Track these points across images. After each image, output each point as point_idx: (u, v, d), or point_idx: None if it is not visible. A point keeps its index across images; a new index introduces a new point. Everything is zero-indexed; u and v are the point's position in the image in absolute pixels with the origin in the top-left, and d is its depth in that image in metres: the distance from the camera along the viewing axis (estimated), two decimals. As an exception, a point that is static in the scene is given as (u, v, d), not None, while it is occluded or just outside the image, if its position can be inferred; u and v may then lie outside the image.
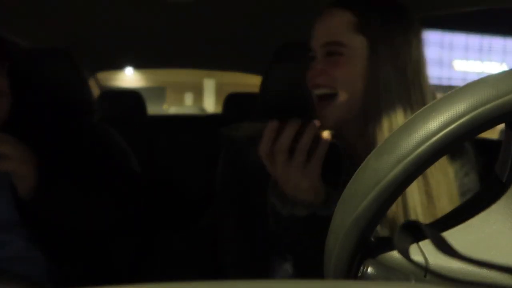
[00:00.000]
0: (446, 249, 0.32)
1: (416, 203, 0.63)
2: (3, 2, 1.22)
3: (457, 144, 0.29)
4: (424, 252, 0.32)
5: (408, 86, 0.66)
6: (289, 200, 0.61)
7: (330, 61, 0.68)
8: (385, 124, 0.65)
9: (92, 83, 2.46)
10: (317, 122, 0.57)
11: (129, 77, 14.51)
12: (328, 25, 0.69)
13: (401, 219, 0.63)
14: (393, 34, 0.66)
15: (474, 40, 16.17)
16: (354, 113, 0.68)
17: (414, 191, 0.63)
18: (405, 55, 0.66)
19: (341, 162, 0.72)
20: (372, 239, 0.35)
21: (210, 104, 15.04)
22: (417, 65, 0.67)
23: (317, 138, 0.56)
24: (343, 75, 0.67)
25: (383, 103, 0.65)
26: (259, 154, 0.57)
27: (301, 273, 0.73)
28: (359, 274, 0.33)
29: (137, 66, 3.60)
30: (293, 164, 0.56)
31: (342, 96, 0.67)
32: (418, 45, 0.67)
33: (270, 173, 0.60)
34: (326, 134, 0.57)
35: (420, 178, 0.64)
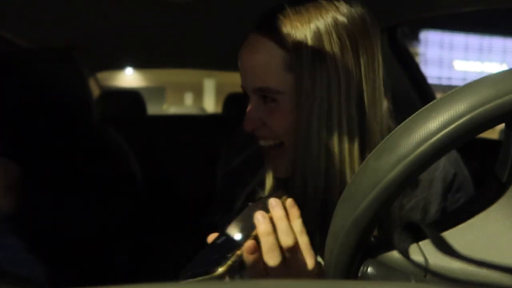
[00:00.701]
0: (446, 249, 0.32)
1: None
2: (3, 2, 1.22)
3: (457, 144, 0.29)
4: (424, 252, 0.32)
5: (350, 115, 0.56)
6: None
7: (268, 110, 0.59)
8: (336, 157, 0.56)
9: (92, 83, 2.46)
10: (276, 202, 0.48)
11: (129, 77, 14.51)
12: (256, 65, 0.57)
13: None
14: (324, 66, 0.54)
15: (474, 40, 16.18)
16: (301, 165, 0.58)
17: None
18: (346, 88, 0.55)
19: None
20: (372, 239, 0.35)
21: (210, 104, 15.04)
22: (370, 93, 0.57)
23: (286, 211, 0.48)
24: (282, 127, 0.58)
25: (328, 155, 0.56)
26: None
27: None
28: (359, 274, 0.33)
29: (137, 66, 3.60)
30: (290, 262, 0.47)
31: (288, 143, 0.59)
32: (365, 67, 0.56)
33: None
34: (290, 202, 0.49)
35: None
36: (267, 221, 0.46)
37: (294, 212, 0.48)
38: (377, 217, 0.31)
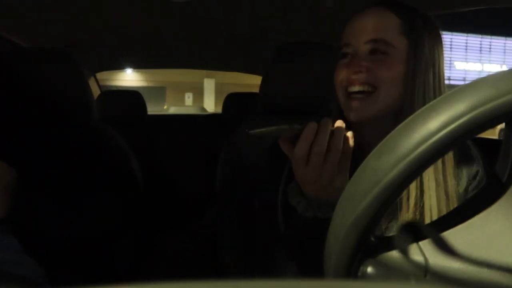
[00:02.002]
0: (446, 249, 0.32)
1: (432, 204, 0.64)
2: (3, 2, 1.22)
3: (457, 144, 0.29)
4: (424, 252, 0.32)
5: (440, 91, 0.69)
6: (314, 202, 0.60)
7: (374, 60, 0.69)
8: None
9: (92, 83, 2.46)
10: (341, 122, 0.58)
11: (129, 77, 14.51)
12: (375, 23, 0.69)
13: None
14: (432, 41, 0.69)
15: (474, 40, 16.18)
16: (387, 113, 0.69)
17: (431, 192, 0.64)
18: (439, 62, 0.69)
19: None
20: (372, 239, 0.35)
21: (210, 104, 15.04)
22: (442, 71, 0.71)
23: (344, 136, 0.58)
24: (387, 75, 0.68)
25: (417, 106, 0.65)
26: (293, 157, 0.57)
27: (307, 273, 0.72)
28: (359, 274, 0.33)
29: (137, 66, 3.60)
30: (327, 164, 0.56)
31: (382, 95, 0.68)
32: (440, 54, 0.71)
33: (297, 176, 0.60)
34: (338, 123, 0.58)
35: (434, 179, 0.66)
36: (329, 125, 0.56)
37: (338, 131, 0.57)
38: (377, 217, 0.31)
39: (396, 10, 0.70)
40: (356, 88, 0.70)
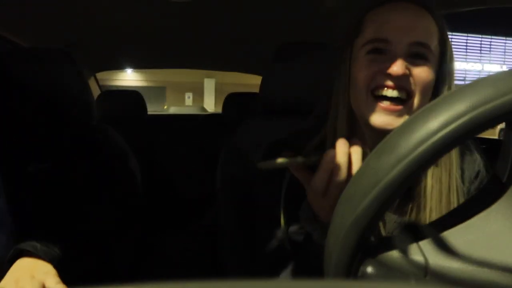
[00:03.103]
0: (446, 249, 0.32)
1: (433, 204, 0.63)
2: (3, 2, 1.22)
3: (457, 144, 0.29)
4: (424, 252, 0.32)
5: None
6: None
7: (416, 64, 0.62)
8: None
9: (92, 83, 2.46)
10: (358, 141, 0.55)
11: (129, 77, 14.51)
12: (422, 25, 0.64)
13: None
14: (451, 50, 0.67)
15: (474, 40, 16.17)
16: None
17: (434, 192, 0.64)
18: (453, 70, 0.67)
19: None
20: (372, 239, 0.35)
21: (210, 104, 15.04)
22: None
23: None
24: (426, 82, 0.63)
25: None
26: (311, 188, 0.54)
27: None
28: (359, 274, 0.33)
29: (137, 66, 3.60)
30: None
31: (415, 104, 0.63)
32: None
33: (314, 206, 0.57)
34: (355, 141, 0.55)
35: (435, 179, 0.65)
36: (332, 158, 0.53)
37: (355, 158, 0.54)
38: (377, 217, 0.31)
39: (434, 16, 0.65)
40: (390, 93, 0.62)
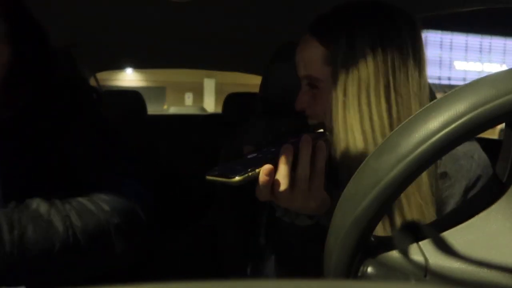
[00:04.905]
0: (446, 249, 0.32)
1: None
2: (3, 2, 1.22)
3: (457, 144, 0.29)
4: (424, 252, 0.32)
5: (400, 108, 0.63)
6: (292, 211, 0.59)
7: (311, 95, 0.70)
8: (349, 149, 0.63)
9: (92, 83, 2.46)
10: (308, 139, 0.53)
11: (129, 77, 14.51)
12: (304, 58, 0.70)
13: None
14: (357, 59, 0.63)
15: (474, 40, 16.18)
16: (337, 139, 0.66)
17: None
18: (375, 81, 0.62)
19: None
20: (372, 239, 0.35)
21: (210, 104, 15.05)
22: (401, 87, 0.63)
23: (313, 148, 0.53)
24: (321, 110, 0.68)
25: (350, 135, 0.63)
26: (260, 199, 0.54)
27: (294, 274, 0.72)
28: (359, 274, 0.33)
29: (137, 66, 3.60)
30: (296, 193, 0.53)
31: (328, 125, 0.66)
32: (398, 63, 0.63)
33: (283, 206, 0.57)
34: (321, 145, 0.54)
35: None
36: (291, 152, 0.52)
37: (321, 154, 0.53)
38: (377, 217, 0.31)
39: (319, 37, 0.66)
40: (311, 122, 0.71)
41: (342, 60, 0.63)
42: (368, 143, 0.61)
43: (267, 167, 0.50)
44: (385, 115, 0.62)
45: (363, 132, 0.62)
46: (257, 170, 0.50)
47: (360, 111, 0.62)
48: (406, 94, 0.63)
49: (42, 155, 0.68)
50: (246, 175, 0.49)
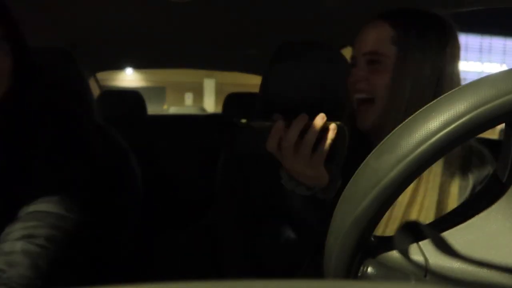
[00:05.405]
0: (446, 249, 0.32)
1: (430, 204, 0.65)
2: (3, 2, 1.22)
3: (457, 144, 0.29)
4: (424, 252, 0.32)
5: (434, 96, 0.69)
6: (294, 179, 0.66)
7: (370, 70, 0.76)
8: None
9: (92, 83, 2.46)
10: (322, 116, 0.61)
11: (129, 77, 14.51)
12: (370, 36, 0.77)
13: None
14: (425, 47, 0.72)
15: (474, 40, 16.17)
16: (388, 119, 0.73)
17: (433, 192, 0.66)
18: (433, 67, 0.71)
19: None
20: (372, 239, 0.35)
21: (210, 104, 15.04)
22: (449, 77, 0.71)
23: (325, 130, 0.61)
24: (380, 82, 0.74)
25: (407, 113, 0.67)
26: (268, 149, 0.62)
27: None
28: (359, 274, 0.33)
29: (137, 66, 3.60)
30: (299, 157, 0.61)
31: (379, 102, 0.74)
32: (450, 58, 0.72)
33: (291, 172, 0.65)
34: (332, 126, 0.61)
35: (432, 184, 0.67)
36: (304, 120, 0.61)
37: (330, 134, 0.61)
38: (377, 217, 0.31)
39: (391, 21, 0.75)
40: (359, 95, 0.77)
41: (410, 44, 0.72)
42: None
43: (280, 122, 0.61)
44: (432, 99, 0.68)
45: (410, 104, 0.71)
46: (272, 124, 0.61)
47: (411, 91, 0.71)
48: (450, 87, 0.70)
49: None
50: (263, 123, 0.61)
